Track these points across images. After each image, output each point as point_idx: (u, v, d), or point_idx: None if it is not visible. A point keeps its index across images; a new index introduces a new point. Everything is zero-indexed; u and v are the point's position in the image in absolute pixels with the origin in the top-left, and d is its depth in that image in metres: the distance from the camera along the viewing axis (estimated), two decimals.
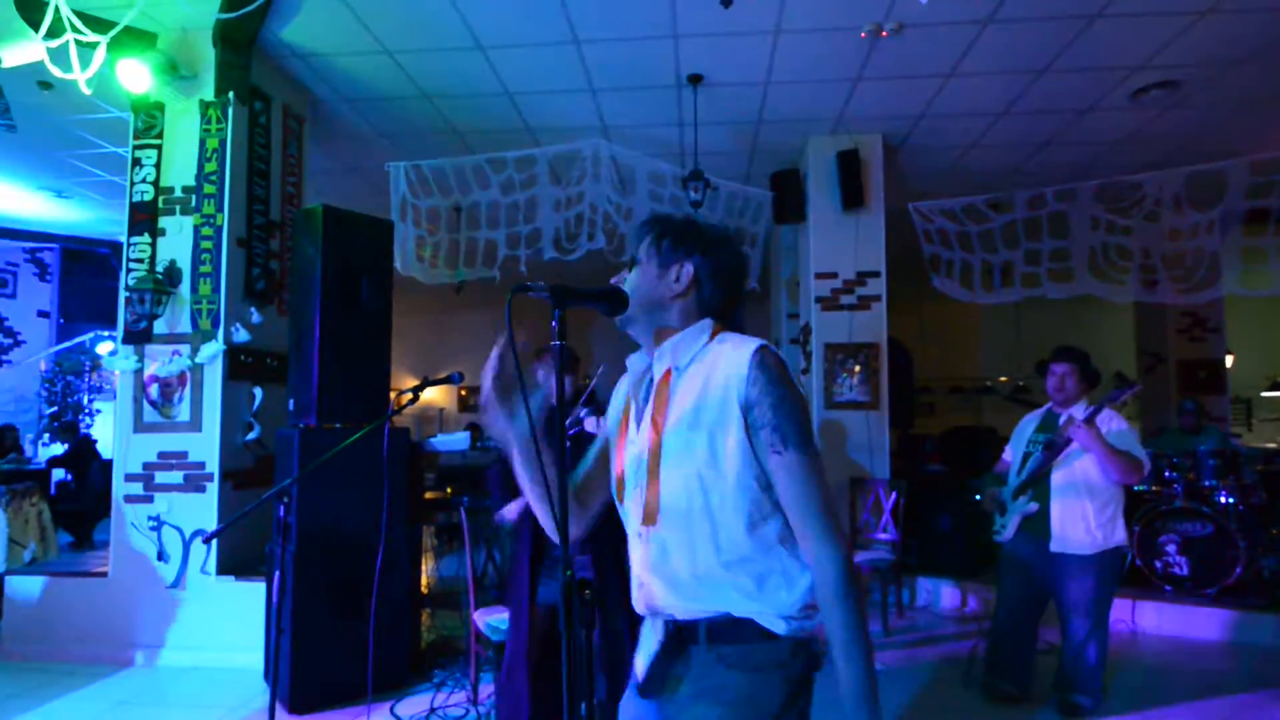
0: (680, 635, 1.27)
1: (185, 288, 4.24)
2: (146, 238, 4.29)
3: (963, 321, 11.16)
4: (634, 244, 1.40)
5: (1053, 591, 3.30)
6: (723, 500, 1.22)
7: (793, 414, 1.20)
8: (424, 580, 4.31)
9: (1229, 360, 8.38)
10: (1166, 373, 8.03)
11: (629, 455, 1.36)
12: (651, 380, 1.35)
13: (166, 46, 4.22)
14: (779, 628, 1.22)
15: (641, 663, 1.36)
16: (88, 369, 8.94)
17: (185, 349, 4.20)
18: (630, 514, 1.35)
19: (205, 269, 4.25)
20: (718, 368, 1.26)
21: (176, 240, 4.28)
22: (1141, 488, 5.23)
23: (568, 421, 2.68)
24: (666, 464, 1.26)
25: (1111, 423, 3.21)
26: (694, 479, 1.23)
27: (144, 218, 4.31)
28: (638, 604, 1.34)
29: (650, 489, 1.28)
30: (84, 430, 8.47)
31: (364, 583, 3.22)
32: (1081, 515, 3.17)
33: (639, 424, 1.35)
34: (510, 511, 2.90)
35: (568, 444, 2.67)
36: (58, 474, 7.65)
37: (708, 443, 1.22)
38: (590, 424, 2.71)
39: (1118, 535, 3.21)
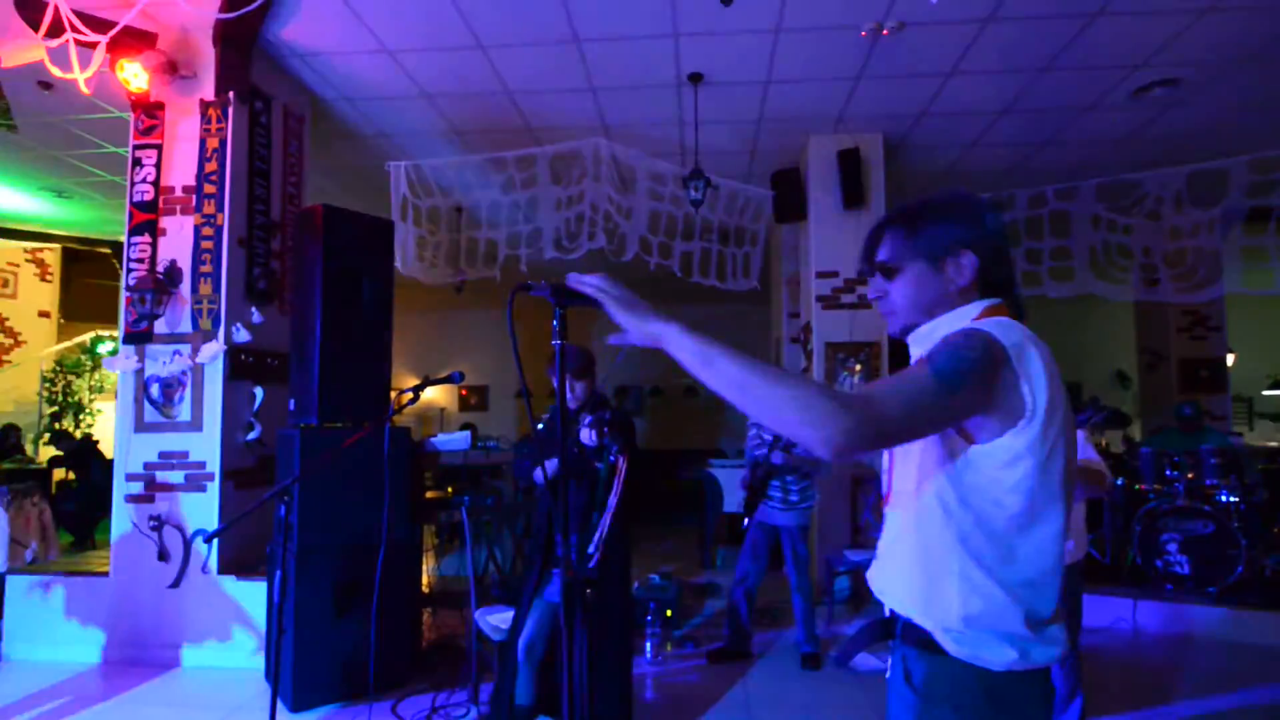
0: (891, 623, 1.22)
1: (186, 288, 4.24)
2: (147, 237, 4.29)
3: None
4: (889, 249, 1.25)
5: None
6: (920, 486, 1.14)
7: (953, 351, 1.03)
8: (425, 579, 4.31)
9: (1230, 359, 8.37)
10: (1168, 371, 8.02)
11: None
12: None
13: (166, 46, 4.23)
14: (947, 645, 1.09)
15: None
16: (88, 369, 8.93)
17: (186, 349, 4.20)
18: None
19: (206, 269, 4.25)
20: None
21: (177, 240, 4.28)
22: (1143, 486, 5.22)
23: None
24: (899, 452, 1.22)
25: None
26: (909, 462, 1.18)
27: (144, 217, 4.31)
28: (870, 582, 1.29)
29: (889, 473, 1.26)
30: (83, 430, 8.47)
31: (365, 582, 3.22)
32: None
33: None
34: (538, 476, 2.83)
35: (574, 451, 2.63)
36: (59, 474, 7.65)
37: None
38: (585, 435, 2.58)
39: None
